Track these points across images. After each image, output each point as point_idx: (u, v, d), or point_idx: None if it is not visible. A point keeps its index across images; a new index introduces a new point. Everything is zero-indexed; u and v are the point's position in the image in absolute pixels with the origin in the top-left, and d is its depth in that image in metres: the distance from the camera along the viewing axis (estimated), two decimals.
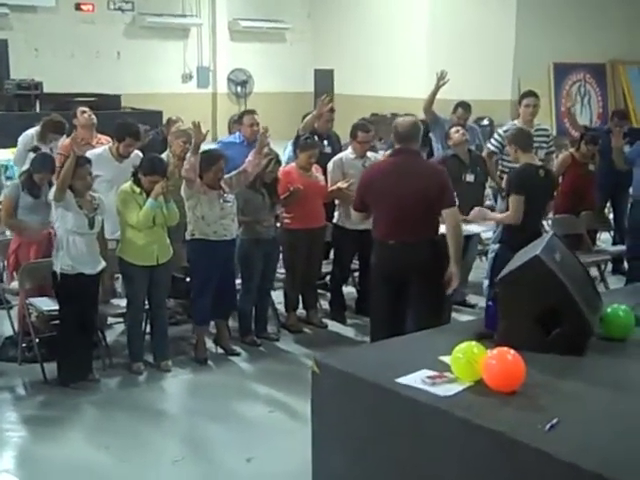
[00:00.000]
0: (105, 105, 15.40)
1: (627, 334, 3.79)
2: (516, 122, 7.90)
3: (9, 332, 6.23)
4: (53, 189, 5.41)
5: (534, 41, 16.71)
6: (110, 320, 6.51)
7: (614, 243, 9.00)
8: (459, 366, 3.29)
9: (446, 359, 3.35)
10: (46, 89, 15.90)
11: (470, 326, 4.07)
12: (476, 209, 6.14)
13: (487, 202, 8.07)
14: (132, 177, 5.79)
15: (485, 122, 15.23)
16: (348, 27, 19.36)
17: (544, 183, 6.06)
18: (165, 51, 18.86)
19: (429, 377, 3.29)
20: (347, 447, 3.47)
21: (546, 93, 17.24)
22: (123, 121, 6.55)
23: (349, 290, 7.63)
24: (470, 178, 7.03)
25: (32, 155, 6.56)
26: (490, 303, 3.97)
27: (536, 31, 16.72)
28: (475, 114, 15.14)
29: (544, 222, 8.43)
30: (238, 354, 6.33)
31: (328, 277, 7.37)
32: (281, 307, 7.11)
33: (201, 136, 5.84)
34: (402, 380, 3.30)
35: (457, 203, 6.14)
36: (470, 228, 6.35)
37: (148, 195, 5.69)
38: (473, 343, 3.39)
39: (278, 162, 6.41)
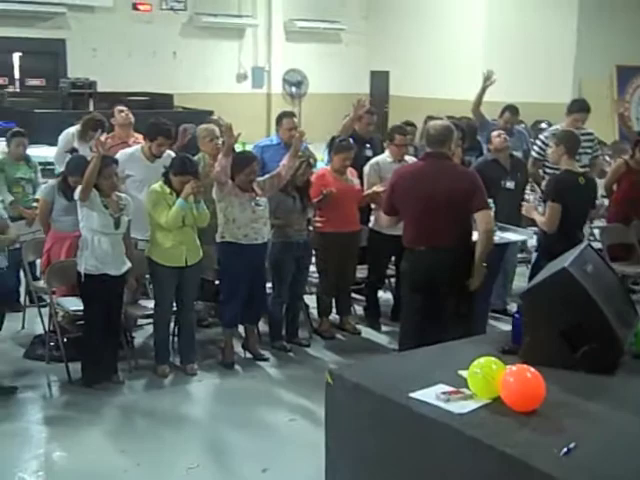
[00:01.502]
0: (157, 104, 15.58)
1: None
2: (558, 127, 7.63)
3: (40, 330, 6.21)
4: (78, 189, 5.37)
5: (597, 43, 16.34)
6: (141, 321, 6.46)
7: None
8: (476, 382, 3.14)
9: (465, 374, 3.19)
10: (103, 88, 16.14)
11: (497, 339, 3.88)
12: (525, 203, 6.01)
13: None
14: (162, 177, 5.72)
15: (544, 125, 14.91)
16: (404, 29, 19.18)
17: (584, 191, 5.85)
18: (220, 51, 18.92)
19: (444, 393, 3.15)
20: (358, 462, 3.35)
21: (608, 96, 16.82)
22: (156, 120, 6.48)
23: (387, 297, 7.49)
24: (510, 185, 6.81)
25: (69, 156, 6.54)
26: (517, 316, 3.80)
27: (599, 32, 16.35)
28: (534, 117, 14.95)
29: (592, 230, 8.22)
30: (267, 359, 6.23)
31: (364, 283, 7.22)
32: (315, 312, 6.99)
33: (233, 138, 5.75)
34: (416, 395, 3.17)
35: (492, 208, 6.04)
36: (506, 236, 6.13)
37: (178, 195, 5.61)
38: (492, 358, 3.22)
39: (310, 165, 6.28)
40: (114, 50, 17.51)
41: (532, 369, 3.05)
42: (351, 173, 6.69)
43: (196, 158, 6.67)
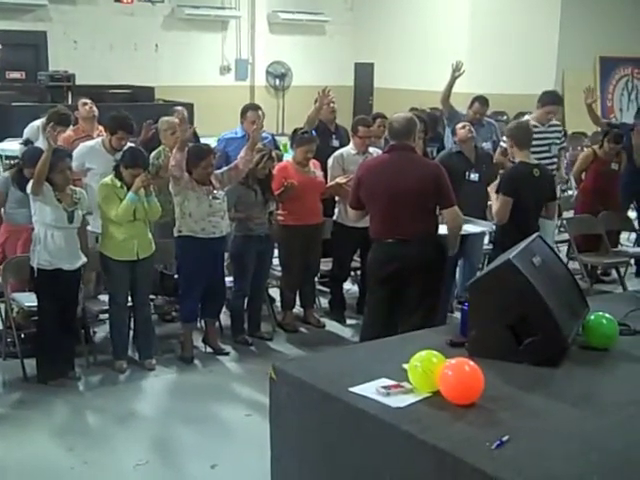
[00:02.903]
0: (139, 97, 15.48)
1: (609, 344, 3.52)
2: (528, 117, 7.59)
3: None
4: (30, 182, 5.30)
5: (579, 34, 16.30)
6: (104, 316, 6.40)
7: (639, 245, 8.63)
8: (416, 376, 3.09)
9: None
10: (84, 81, 15.97)
11: (449, 331, 3.84)
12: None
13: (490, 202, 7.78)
14: (113, 170, 5.66)
15: (527, 117, 14.87)
16: (389, 20, 19.08)
17: (538, 183, 5.81)
18: (203, 43, 18.78)
19: (384, 387, 3.10)
20: (302, 459, 3.31)
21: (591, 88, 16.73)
22: (117, 113, 6.42)
23: (353, 289, 7.45)
24: (474, 177, 6.75)
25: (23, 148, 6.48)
26: (465, 308, 3.76)
27: (582, 23, 16.30)
28: (517, 109, 14.88)
29: (561, 222, 8.18)
30: (227, 354, 6.18)
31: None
32: (279, 305, 6.94)
33: (187, 132, 5.70)
34: (355, 389, 3.12)
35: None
36: (466, 228, 6.08)
37: (129, 189, 5.56)
38: (433, 352, 3.17)
39: (271, 158, 6.22)
40: (95, 43, 17.38)
41: (471, 362, 3.01)
42: (314, 165, 6.64)
43: (156, 151, 6.63)
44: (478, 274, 3.74)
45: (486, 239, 8.30)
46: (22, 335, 5.82)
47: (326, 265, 7.12)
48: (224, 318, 6.54)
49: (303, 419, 3.30)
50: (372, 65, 20.01)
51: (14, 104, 14.02)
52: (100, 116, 7.29)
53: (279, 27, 19.49)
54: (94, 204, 5.86)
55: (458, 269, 7.17)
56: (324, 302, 7.23)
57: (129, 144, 6.34)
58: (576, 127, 14.29)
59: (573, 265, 8.08)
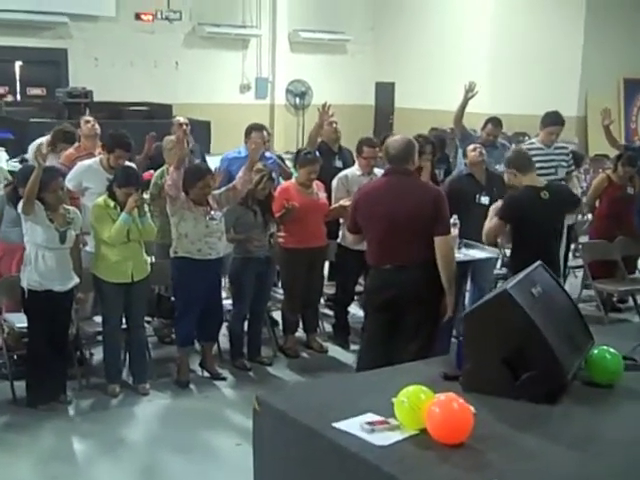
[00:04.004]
0: (156, 114, 15.47)
1: (613, 380, 3.32)
2: (534, 140, 7.41)
3: None
4: (21, 202, 5.20)
5: (603, 55, 16.06)
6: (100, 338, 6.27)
7: None
8: (402, 412, 2.92)
9: None
10: (104, 98, 16.03)
11: (441, 363, 3.65)
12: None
13: None
14: (107, 190, 5.55)
15: (533, 139, 14.68)
16: (410, 40, 18.99)
17: (549, 204, 5.57)
18: (224, 61, 18.75)
19: (369, 423, 2.92)
20: None
21: (615, 109, 16.51)
22: (114, 132, 6.32)
23: (360, 314, 7.26)
24: (485, 200, 6.54)
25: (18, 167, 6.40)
26: (461, 339, 3.57)
27: (605, 45, 16.07)
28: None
29: (576, 246, 7.95)
30: (224, 379, 6.03)
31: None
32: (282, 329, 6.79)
33: (184, 151, 5.58)
34: (340, 425, 2.95)
35: (457, 225, 5.83)
36: (471, 253, 5.90)
37: (123, 209, 5.43)
38: (422, 387, 2.99)
39: (271, 179, 6.08)
40: (116, 60, 17.40)
41: (460, 400, 2.84)
42: (317, 186, 6.49)
43: (159, 171, 6.53)
44: (473, 305, 3.55)
45: (498, 263, 8.13)
46: (14, 357, 5.70)
47: (331, 288, 6.96)
48: (224, 341, 6.39)
49: (286, 453, 3.14)
50: (393, 84, 19.91)
51: (31, 120, 14.03)
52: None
53: (300, 46, 19.45)
54: (90, 224, 5.75)
55: (467, 294, 6.98)
56: (328, 326, 7.04)
57: (127, 163, 6.22)
58: (599, 150, 14.07)
59: (588, 292, 7.89)
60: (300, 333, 6.80)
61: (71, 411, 5.44)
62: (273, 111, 19.52)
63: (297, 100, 19.52)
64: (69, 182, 6.09)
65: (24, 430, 5.12)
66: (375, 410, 2.97)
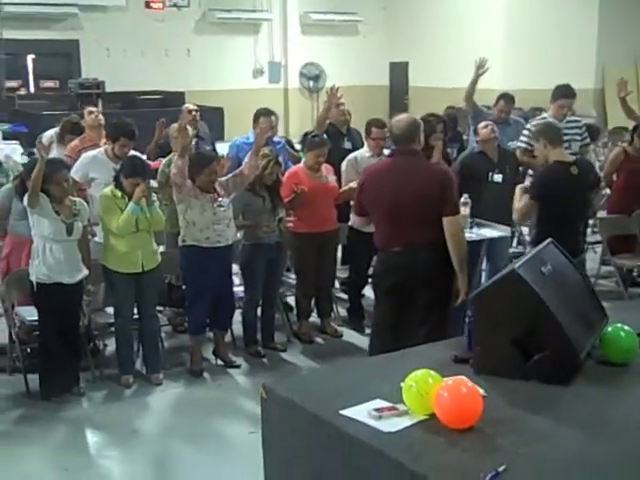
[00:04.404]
0: (169, 103, 15.41)
1: (628, 359, 3.23)
2: (546, 115, 7.27)
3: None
4: (26, 195, 5.17)
5: (620, 27, 15.83)
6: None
7: None
8: (410, 397, 2.86)
9: None
10: (117, 88, 16.01)
11: (452, 346, 3.58)
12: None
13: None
14: (113, 180, 5.50)
15: (544, 114, 14.50)
16: (423, 18, 18.78)
17: (578, 180, 5.46)
18: (236, 47, 18.61)
19: (377, 409, 2.86)
20: None
21: (633, 82, 16.25)
22: (118, 120, 6.28)
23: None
24: (497, 178, 6.46)
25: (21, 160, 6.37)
26: (469, 320, 3.50)
27: (622, 16, 15.84)
28: None
29: (594, 222, 7.82)
30: (238, 366, 5.99)
31: None
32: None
33: (188, 138, 5.52)
34: (347, 412, 2.89)
35: (468, 204, 5.74)
36: (483, 232, 5.81)
37: (130, 199, 5.39)
38: (430, 371, 2.93)
39: (278, 163, 6.01)
40: (127, 49, 17.30)
41: (468, 383, 2.78)
42: (326, 170, 6.41)
43: (166, 159, 6.48)
44: (481, 286, 3.47)
45: (514, 242, 8.03)
46: (28, 350, 5.70)
47: (345, 272, 6.90)
48: (237, 329, 6.35)
49: (293, 442, 3.09)
50: (407, 64, 19.71)
51: (44, 113, 14.03)
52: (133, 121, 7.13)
53: (312, 28, 19.27)
54: (98, 215, 5.71)
55: (484, 273, 6.88)
56: (343, 310, 6.98)
57: (132, 152, 6.16)
58: (618, 122, 13.85)
59: (607, 268, 7.77)
60: (314, 318, 6.74)
61: (84, 403, 5.43)
62: (287, 95, 19.40)
63: (311, 83, 19.39)
64: (75, 173, 6.05)
65: (37, 422, 5.12)
66: (383, 396, 2.91)
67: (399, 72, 19.86)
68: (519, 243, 8.15)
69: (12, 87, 16.13)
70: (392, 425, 2.75)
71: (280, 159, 6.09)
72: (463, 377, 2.91)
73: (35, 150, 6.96)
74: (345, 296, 7.19)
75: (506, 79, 16.05)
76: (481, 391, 2.88)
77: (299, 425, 3.04)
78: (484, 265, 6.75)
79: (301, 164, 6.46)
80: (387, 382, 3.06)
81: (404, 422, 2.77)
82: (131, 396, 5.55)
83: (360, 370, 3.48)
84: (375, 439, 2.67)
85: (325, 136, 6.56)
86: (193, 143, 6.21)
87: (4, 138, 12.92)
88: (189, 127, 6.02)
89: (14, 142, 12.06)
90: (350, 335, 6.64)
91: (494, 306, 3.21)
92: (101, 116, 7.03)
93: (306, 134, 6.69)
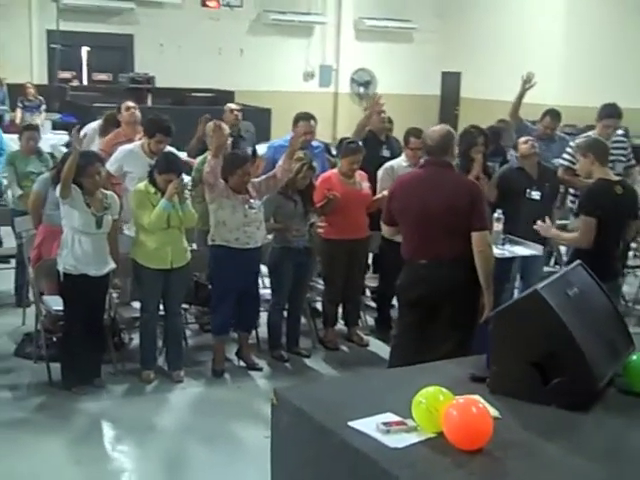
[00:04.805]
0: (218, 101, 15.50)
1: None
2: (591, 134, 7.12)
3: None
4: (58, 186, 5.21)
5: None
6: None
7: None
8: (419, 413, 2.79)
9: None
10: (168, 84, 16.19)
11: (472, 363, 3.51)
12: (541, 223, 5.54)
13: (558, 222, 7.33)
14: (148, 176, 5.52)
15: (620, 132, 14.24)
16: (478, 29, 18.61)
17: (621, 201, 5.34)
18: (288, 49, 18.70)
19: (385, 423, 2.80)
20: None
21: None
22: (154, 116, 6.28)
23: None
24: (536, 195, 6.32)
25: (65, 150, 6.42)
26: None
27: None
28: None
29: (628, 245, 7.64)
30: (260, 369, 5.97)
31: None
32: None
33: (222, 138, 5.51)
34: (355, 424, 2.84)
35: (501, 219, 5.64)
36: (515, 250, 5.70)
37: (163, 195, 5.40)
38: (441, 388, 2.87)
39: (311, 168, 5.97)
40: (181, 46, 17.48)
41: (480, 403, 2.71)
42: (360, 176, 6.36)
43: (201, 157, 6.49)
44: (501, 305, 3.39)
45: (552, 261, 7.88)
46: (54, 339, 5.74)
47: (375, 281, 6.84)
48: (263, 331, 6.33)
49: (301, 450, 3.05)
50: (459, 74, 19.57)
51: (95, 105, 14.20)
52: (181, 118, 7.12)
53: (365, 34, 19.26)
54: (130, 209, 5.73)
55: (516, 292, 6.77)
56: (372, 319, 6.92)
57: (168, 148, 6.17)
58: None
59: None
60: (341, 325, 6.69)
61: (104, 395, 5.44)
62: (337, 100, 19.42)
63: (361, 89, 19.36)
64: (110, 166, 6.09)
65: (56, 412, 5.15)
66: (395, 410, 2.85)
67: (451, 82, 19.73)
68: (556, 263, 8.00)
69: (65, 78, 16.36)
70: (399, 441, 2.69)
71: (315, 164, 6.04)
72: (475, 396, 2.86)
73: (96, 142, 7.00)
74: (375, 305, 7.13)
75: (562, 95, 15.84)
76: (495, 412, 2.83)
77: (307, 434, 2.99)
78: (517, 283, 6.64)
79: (335, 170, 6.41)
80: (400, 396, 2.98)
81: (411, 438, 2.70)
82: (151, 392, 5.56)
83: (374, 381, 3.42)
84: (379, 454, 2.61)
85: (363, 143, 6.51)
86: (229, 142, 6.20)
87: (54, 128, 13.12)
88: (224, 126, 6.01)
89: (63, 132, 12.23)
90: (376, 345, 6.58)
91: (514, 326, 3.13)
92: (138, 112, 7.01)
93: (342, 140, 6.64)
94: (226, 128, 6.11)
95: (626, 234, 5.70)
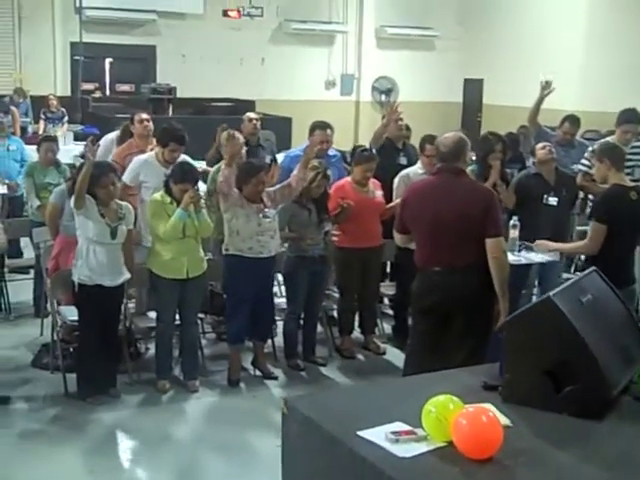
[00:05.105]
0: (239, 111, 15.55)
1: None
2: (609, 139, 7.04)
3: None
4: (73, 197, 5.23)
5: None
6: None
7: None
8: (429, 422, 2.77)
9: None
10: (190, 94, 16.26)
11: (485, 372, 3.47)
12: (539, 242, 5.54)
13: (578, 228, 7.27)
14: (164, 186, 5.53)
15: (608, 139, 14.11)
16: (501, 35, 18.52)
17: (636, 207, 5.26)
18: (309, 58, 18.69)
19: (394, 432, 2.78)
20: None
21: None
22: (168, 126, 6.29)
23: None
24: (553, 201, 6.27)
25: (81, 161, 6.44)
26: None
27: None
28: None
29: None
30: (275, 378, 5.96)
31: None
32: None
33: (236, 147, 5.51)
34: (364, 433, 2.82)
35: (517, 226, 5.60)
36: (530, 256, 5.64)
37: (179, 205, 5.41)
38: (452, 397, 2.84)
39: (326, 176, 5.96)
40: (203, 56, 17.54)
41: (490, 412, 2.67)
42: (374, 185, 6.34)
43: (216, 167, 6.50)
44: (514, 312, 3.35)
45: (572, 268, 7.80)
46: (70, 349, 5.76)
47: (392, 289, 6.81)
48: (279, 340, 6.32)
49: (311, 460, 3.03)
50: (481, 81, 19.47)
51: (117, 116, 14.30)
52: (202, 128, 7.07)
53: (387, 42, 19.23)
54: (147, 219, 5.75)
55: (534, 298, 6.71)
56: (389, 327, 6.89)
57: (183, 156, 6.18)
58: None
59: None
60: (358, 334, 6.66)
61: (119, 405, 5.45)
62: (358, 108, 19.38)
63: (383, 97, 19.33)
64: (126, 177, 6.12)
65: (71, 423, 5.17)
66: (406, 419, 2.82)
67: (473, 89, 19.63)
68: (577, 269, 7.92)
69: (88, 89, 16.49)
70: (408, 450, 2.66)
71: (329, 172, 6.02)
72: (485, 405, 2.83)
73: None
74: (392, 313, 7.10)
75: (582, 100, 15.72)
76: (506, 420, 2.80)
77: (316, 444, 2.98)
78: (535, 290, 6.58)
79: (349, 178, 6.40)
80: (411, 405, 2.95)
81: (421, 448, 2.68)
82: (166, 402, 5.57)
83: (386, 390, 3.40)
84: (387, 463, 2.59)
85: (381, 150, 6.49)
86: (243, 152, 6.21)
87: (75, 139, 13.21)
88: (238, 135, 6.01)
89: (85, 143, 12.30)
90: (393, 353, 6.55)
91: (527, 333, 3.10)
92: (151, 125, 6.97)
93: (355, 148, 6.63)
94: (240, 137, 6.12)
95: None
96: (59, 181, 7.05)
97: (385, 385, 3.82)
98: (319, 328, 6.46)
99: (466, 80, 19.94)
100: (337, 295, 6.63)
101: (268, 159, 7.68)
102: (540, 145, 6.57)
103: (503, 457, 2.56)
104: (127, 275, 5.44)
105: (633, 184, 5.51)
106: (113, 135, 7.80)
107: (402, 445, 2.69)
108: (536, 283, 6.56)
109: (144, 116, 7.05)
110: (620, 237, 5.21)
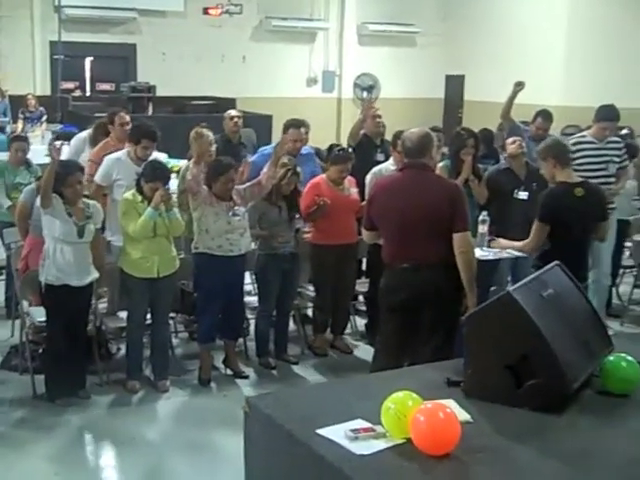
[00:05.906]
0: (220, 109, 15.50)
1: (630, 390, 3.08)
2: (585, 134, 7.03)
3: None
4: (39, 196, 5.19)
5: None
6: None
7: None
8: (388, 419, 2.76)
9: None
10: (172, 93, 16.19)
11: (450, 367, 3.45)
12: (495, 240, 5.56)
13: None
14: (135, 184, 5.50)
15: (624, 131, 14.11)
16: (482, 32, 18.56)
17: (583, 203, 5.21)
18: (291, 55, 18.67)
19: (354, 430, 2.76)
20: None
21: None
22: (139, 123, 6.26)
23: None
24: (523, 195, 6.27)
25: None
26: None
27: None
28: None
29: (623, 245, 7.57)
30: (246, 377, 5.94)
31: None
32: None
33: (205, 145, 5.48)
34: (323, 431, 2.80)
35: (486, 221, 5.59)
36: (500, 252, 5.62)
37: (150, 203, 5.38)
38: (411, 393, 2.83)
39: (296, 174, 5.93)
40: (184, 54, 17.49)
41: (447, 408, 2.66)
42: (349, 182, 6.31)
43: (186, 165, 6.43)
44: (475, 308, 3.34)
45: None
46: (39, 351, 5.71)
47: (366, 286, 6.79)
48: (251, 339, 6.29)
49: (272, 460, 3.01)
50: (463, 77, 19.50)
51: (96, 115, 14.22)
52: (182, 126, 6.97)
53: (368, 39, 19.22)
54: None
55: None
56: (360, 325, 6.87)
57: (156, 153, 6.13)
58: None
59: None
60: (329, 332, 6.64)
61: (89, 407, 5.40)
62: (340, 105, 19.38)
63: (364, 94, 19.31)
64: (98, 176, 6.07)
65: (39, 425, 5.11)
66: (366, 416, 2.81)
67: (455, 85, 19.67)
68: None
69: (68, 88, 16.40)
70: (366, 447, 2.65)
71: (299, 169, 5.99)
72: (445, 401, 2.82)
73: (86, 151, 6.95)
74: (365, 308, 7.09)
75: (564, 95, 15.77)
76: (467, 416, 2.81)
77: (277, 443, 2.96)
78: (509, 286, 6.56)
79: (324, 175, 6.37)
80: (372, 402, 2.94)
81: (379, 445, 2.67)
82: (136, 403, 5.53)
83: (349, 387, 3.40)
84: (345, 461, 2.57)
85: (358, 146, 6.45)
86: (213, 149, 6.17)
87: (56, 139, 13.12)
88: (207, 133, 5.98)
89: (65, 143, 12.23)
90: (366, 350, 6.50)
91: (487, 329, 3.10)
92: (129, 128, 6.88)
93: (331, 146, 6.60)
94: (209, 135, 6.08)
95: (597, 236, 5.57)
96: (30, 181, 6.97)
97: (348, 382, 3.80)
98: (292, 326, 6.43)
99: (448, 76, 19.97)
100: (310, 293, 6.60)
101: (249, 157, 7.63)
102: (510, 140, 6.57)
103: (462, 453, 2.56)
104: (95, 274, 5.40)
105: (580, 180, 5.39)
106: (85, 134, 7.73)
107: (361, 442, 2.68)
108: (509, 279, 6.54)
109: (127, 119, 6.90)
110: (570, 235, 5.18)
